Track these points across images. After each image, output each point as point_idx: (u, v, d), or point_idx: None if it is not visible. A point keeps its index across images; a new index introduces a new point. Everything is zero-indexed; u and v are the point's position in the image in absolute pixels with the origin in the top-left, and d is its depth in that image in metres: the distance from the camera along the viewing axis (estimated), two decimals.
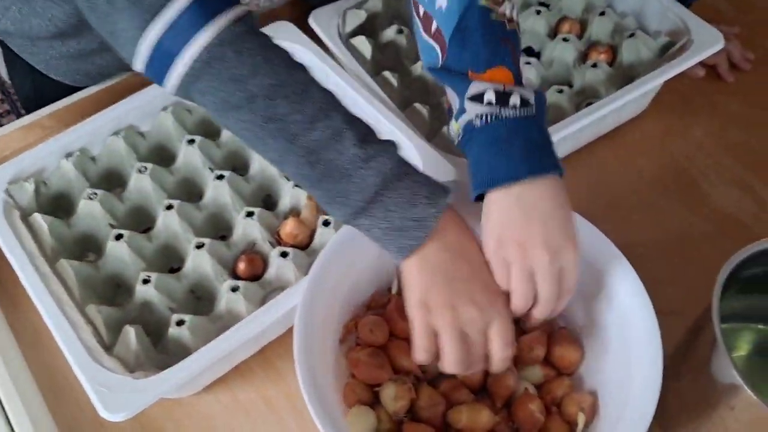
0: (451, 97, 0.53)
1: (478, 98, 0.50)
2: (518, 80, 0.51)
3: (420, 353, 0.50)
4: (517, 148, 0.49)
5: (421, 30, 0.54)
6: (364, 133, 0.49)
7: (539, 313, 0.52)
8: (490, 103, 0.49)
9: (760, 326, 0.61)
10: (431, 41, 0.53)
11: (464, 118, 0.51)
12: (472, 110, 0.50)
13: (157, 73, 0.48)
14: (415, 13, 0.55)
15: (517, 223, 0.50)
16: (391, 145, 0.50)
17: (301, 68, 0.50)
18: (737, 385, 0.48)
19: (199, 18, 0.46)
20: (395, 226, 0.48)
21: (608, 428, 0.52)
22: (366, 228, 0.49)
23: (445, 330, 0.49)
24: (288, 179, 0.69)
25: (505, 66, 0.51)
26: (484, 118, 0.50)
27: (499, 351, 0.50)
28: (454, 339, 0.49)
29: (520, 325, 0.63)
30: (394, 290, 0.63)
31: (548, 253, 0.49)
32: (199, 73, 0.47)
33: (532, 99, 0.50)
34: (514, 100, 0.50)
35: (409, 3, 0.57)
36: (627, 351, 0.55)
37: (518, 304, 0.51)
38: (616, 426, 0.49)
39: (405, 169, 0.49)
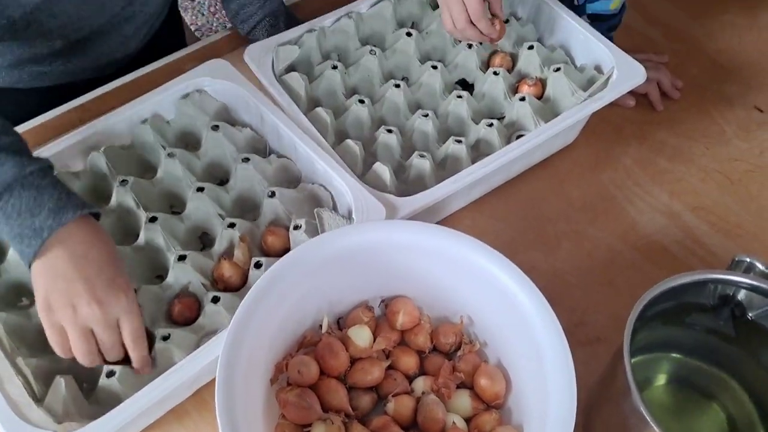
0: None
1: None
2: None
3: (55, 348, 0.57)
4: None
5: None
6: None
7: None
8: None
9: (678, 355, 0.64)
10: None
11: None
12: None
13: None
14: None
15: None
16: (26, 158, 0.56)
17: None
18: (647, 419, 0.50)
19: None
20: (15, 233, 0.55)
21: None
22: None
23: (67, 326, 0.55)
24: (222, 218, 0.70)
25: None
26: None
27: (131, 344, 0.57)
28: (76, 334, 0.55)
29: (449, 356, 0.66)
30: (324, 329, 0.64)
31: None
32: None
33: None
34: None
35: None
36: (544, 384, 0.57)
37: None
38: None
39: (36, 181, 0.56)
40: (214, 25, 1.82)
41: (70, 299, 0.55)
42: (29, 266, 0.57)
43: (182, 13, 1.84)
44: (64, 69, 0.82)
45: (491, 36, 0.77)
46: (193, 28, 1.81)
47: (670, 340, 0.63)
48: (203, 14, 1.83)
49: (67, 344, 0.56)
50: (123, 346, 0.58)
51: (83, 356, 0.56)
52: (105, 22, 0.79)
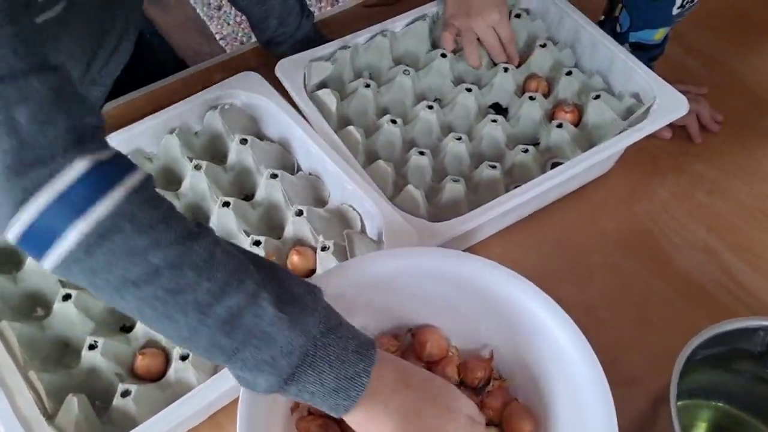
0: None
1: None
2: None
3: None
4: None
5: None
6: (279, 291, 0.46)
7: None
8: None
9: (720, 404, 0.61)
10: None
11: None
12: None
13: (34, 248, 0.41)
14: None
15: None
16: (310, 298, 0.47)
17: (205, 232, 0.45)
18: None
19: (94, 191, 0.40)
20: (329, 388, 0.46)
21: None
22: (295, 394, 0.46)
23: None
24: (248, 235, 0.68)
25: None
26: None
27: None
28: None
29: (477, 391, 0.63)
30: None
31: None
32: (90, 250, 0.40)
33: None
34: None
35: None
36: (582, 428, 0.54)
37: None
38: None
39: (328, 322, 0.47)
40: (240, 35, 1.82)
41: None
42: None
43: (207, 22, 1.83)
44: None
45: (514, 61, 0.83)
46: (218, 36, 1.80)
47: (713, 386, 0.60)
48: (229, 24, 1.82)
49: None
50: None
51: None
52: None
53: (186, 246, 0.42)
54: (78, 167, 0.40)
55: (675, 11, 0.76)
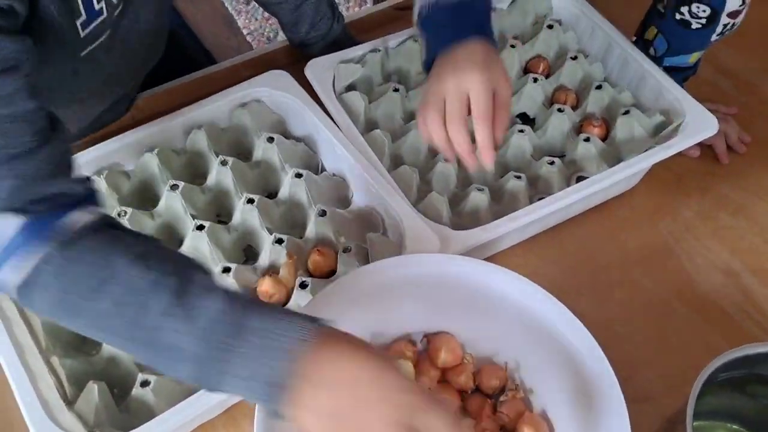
0: None
1: None
2: None
3: None
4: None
5: None
6: (177, 291, 0.45)
7: None
8: None
9: (735, 426, 0.60)
10: None
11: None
12: None
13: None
14: None
15: (455, 65, 0.59)
16: (212, 300, 0.44)
17: (115, 279, 0.45)
18: None
19: (25, 247, 0.45)
20: (255, 393, 0.43)
21: None
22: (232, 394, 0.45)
23: None
24: (270, 232, 0.68)
25: None
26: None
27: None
28: None
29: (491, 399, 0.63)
30: None
31: (481, 72, 0.59)
32: (27, 291, 0.46)
33: None
34: None
35: None
36: None
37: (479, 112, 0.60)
38: None
39: (239, 320, 0.43)
40: (266, 31, 1.83)
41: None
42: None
43: (235, 16, 1.85)
44: None
45: (497, 137, 0.61)
46: (245, 32, 1.81)
47: (728, 408, 0.60)
48: (257, 19, 1.83)
49: None
50: None
51: None
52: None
53: (96, 296, 0.45)
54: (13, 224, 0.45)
55: (714, 37, 0.75)
